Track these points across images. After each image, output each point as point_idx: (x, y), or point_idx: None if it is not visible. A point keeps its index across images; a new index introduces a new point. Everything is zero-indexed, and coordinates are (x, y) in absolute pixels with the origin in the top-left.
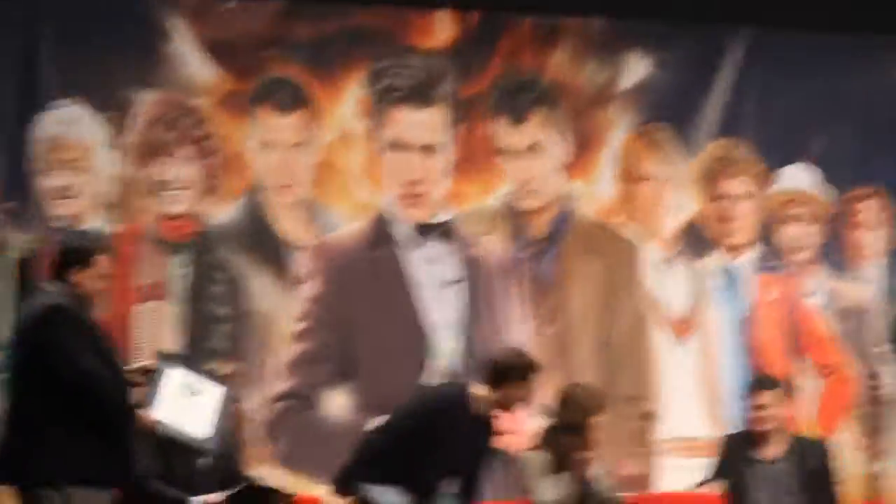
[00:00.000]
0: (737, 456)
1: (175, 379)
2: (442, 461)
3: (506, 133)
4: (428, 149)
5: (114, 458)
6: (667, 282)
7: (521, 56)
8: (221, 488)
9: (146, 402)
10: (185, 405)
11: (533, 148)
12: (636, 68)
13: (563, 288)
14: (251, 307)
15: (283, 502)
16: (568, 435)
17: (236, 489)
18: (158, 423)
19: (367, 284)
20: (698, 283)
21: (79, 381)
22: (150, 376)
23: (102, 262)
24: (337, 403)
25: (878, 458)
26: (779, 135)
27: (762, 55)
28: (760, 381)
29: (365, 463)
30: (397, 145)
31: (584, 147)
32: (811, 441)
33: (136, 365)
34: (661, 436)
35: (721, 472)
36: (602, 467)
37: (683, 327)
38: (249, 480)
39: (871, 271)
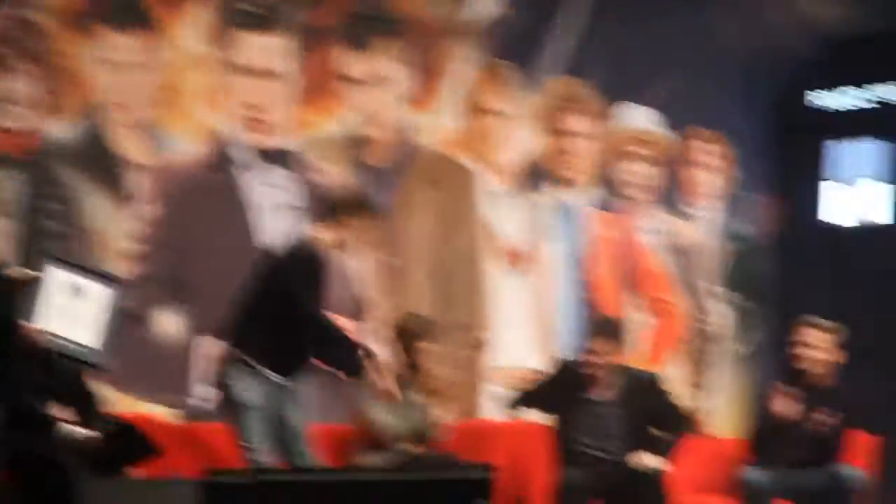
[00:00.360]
0: (567, 393)
1: (57, 280)
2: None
3: (350, 62)
4: (271, 74)
5: None
6: (505, 214)
7: None
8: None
9: (28, 310)
10: (69, 310)
11: (377, 78)
12: (482, 4)
13: (401, 217)
14: (87, 225)
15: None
16: (400, 361)
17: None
18: (43, 333)
19: (204, 207)
20: (537, 217)
21: None
22: (28, 283)
23: None
24: (169, 323)
25: (705, 393)
26: (620, 75)
27: None
28: (598, 326)
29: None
30: (240, 69)
31: (428, 79)
32: (642, 377)
33: (8, 271)
34: (491, 364)
35: (548, 403)
36: (429, 396)
37: (519, 259)
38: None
39: (706, 212)
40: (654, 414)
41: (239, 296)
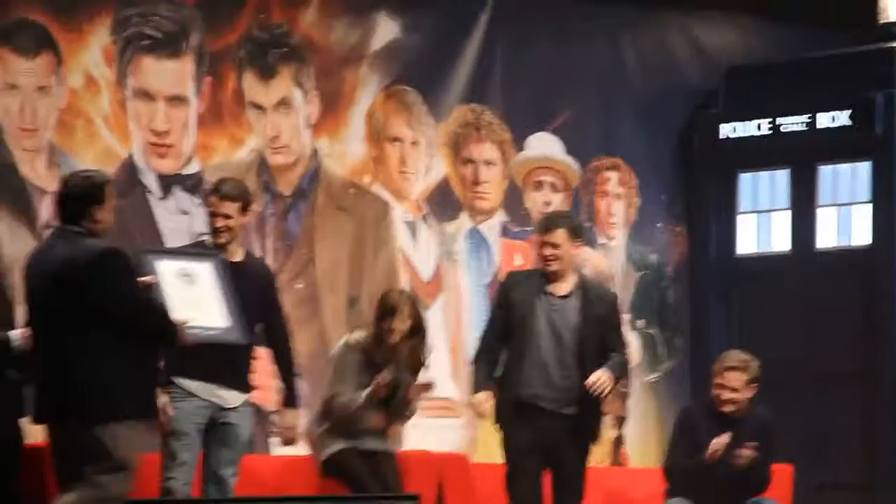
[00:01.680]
0: (526, 288)
1: (167, 272)
2: None
3: (254, 88)
4: (175, 99)
5: (151, 392)
6: (415, 243)
7: (270, 11)
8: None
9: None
10: (191, 297)
11: (282, 103)
12: (386, 30)
13: (311, 244)
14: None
15: None
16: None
17: None
18: (188, 328)
19: (113, 232)
20: (446, 246)
21: (145, 317)
22: (153, 286)
23: (111, 196)
24: None
25: (619, 424)
26: (524, 103)
27: (509, 24)
28: (550, 219)
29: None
30: (143, 94)
31: (333, 105)
32: (598, 286)
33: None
34: None
35: (507, 305)
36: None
37: (430, 289)
38: None
39: (613, 240)
40: (605, 323)
41: None
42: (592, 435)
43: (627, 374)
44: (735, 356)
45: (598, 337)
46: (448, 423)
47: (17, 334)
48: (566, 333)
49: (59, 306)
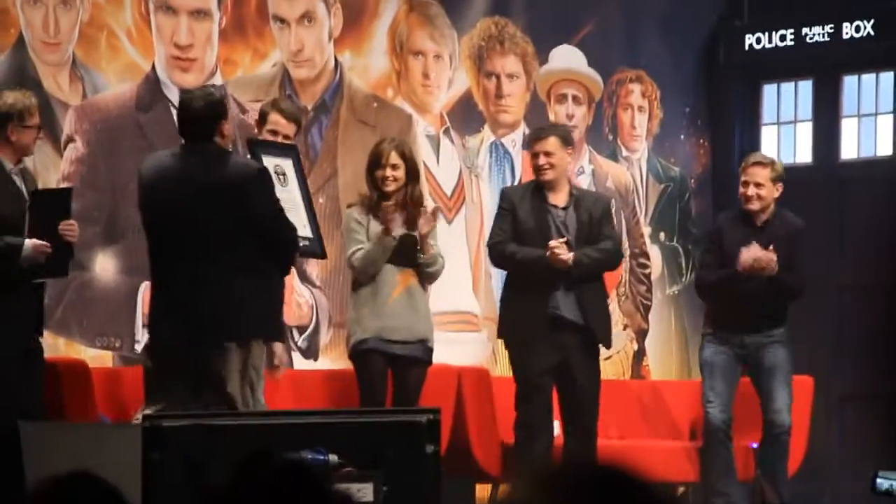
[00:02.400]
0: (530, 203)
1: (269, 167)
2: None
3: (277, 1)
4: (198, 13)
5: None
6: (437, 157)
7: None
8: None
9: None
10: (285, 200)
11: (305, 17)
12: None
13: (333, 158)
14: None
15: None
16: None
17: None
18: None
19: (135, 146)
20: (468, 159)
21: (286, 234)
22: None
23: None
24: (102, 266)
25: (640, 337)
26: (547, 15)
27: None
28: (541, 128)
29: None
30: (166, 8)
31: (356, 19)
32: (591, 192)
33: None
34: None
35: (510, 221)
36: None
37: (452, 203)
38: None
39: (636, 152)
40: (599, 228)
41: None
42: (603, 341)
43: (608, 260)
44: (759, 154)
45: (594, 242)
46: (469, 337)
47: (30, 244)
48: (574, 236)
49: (208, 220)
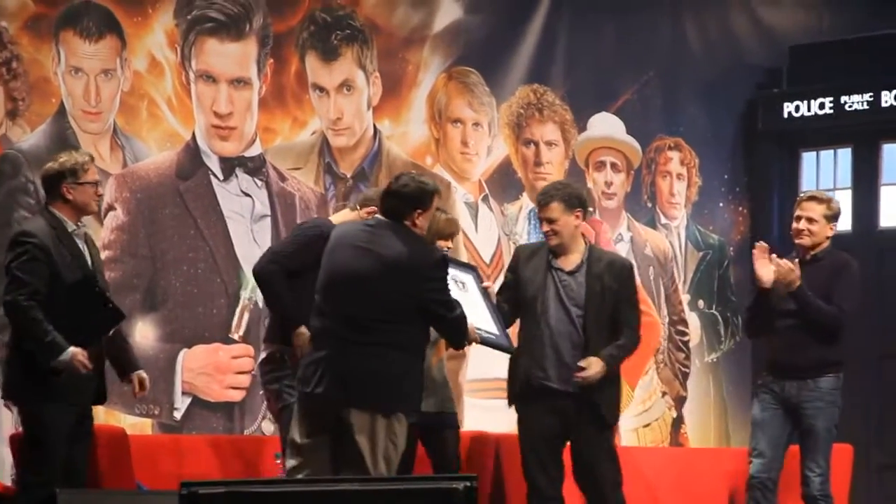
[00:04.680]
0: (536, 264)
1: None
2: None
3: (317, 70)
4: (237, 82)
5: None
6: (476, 224)
7: None
8: None
9: None
10: (467, 303)
11: (344, 85)
12: (448, 11)
13: None
14: None
15: None
16: None
17: None
18: (476, 330)
19: (175, 214)
20: (507, 226)
21: (455, 311)
22: None
23: (433, 207)
24: (142, 334)
25: (679, 404)
26: (586, 83)
27: (571, 3)
28: (544, 192)
29: None
30: (206, 77)
31: (395, 87)
32: (608, 258)
33: None
34: (468, 377)
35: (517, 277)
36: None
37: (490, 270)
38: None
39: (675, 220)
40: (614, 295)
41: None
42: (606, 416)
43: (628, 354)
44: (818, 191)
45: (608, 311)
46: (505, 404)
47: (72, 352)
48: (574, 310)
49: (387, 291)
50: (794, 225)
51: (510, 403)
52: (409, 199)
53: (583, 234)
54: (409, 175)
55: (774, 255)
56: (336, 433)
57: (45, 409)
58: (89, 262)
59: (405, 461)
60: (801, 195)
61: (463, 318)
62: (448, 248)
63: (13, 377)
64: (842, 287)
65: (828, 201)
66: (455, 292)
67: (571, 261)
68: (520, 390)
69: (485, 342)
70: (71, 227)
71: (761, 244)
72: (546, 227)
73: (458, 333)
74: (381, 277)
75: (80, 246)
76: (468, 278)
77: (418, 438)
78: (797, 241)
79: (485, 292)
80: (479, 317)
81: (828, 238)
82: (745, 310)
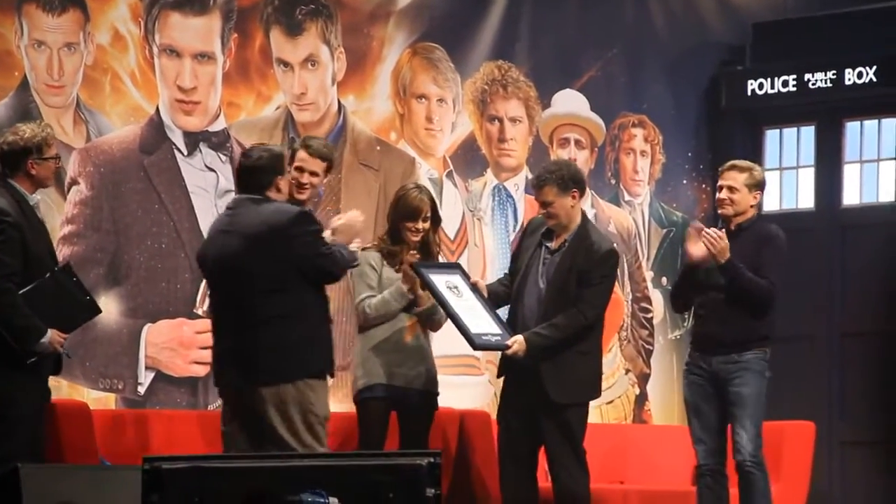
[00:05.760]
0: (532, 239)
1: (440, 284)
2: None
3: (281, 45)
4: (201, 56)
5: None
6: (440, 200)
7: None
8: None
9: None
10: (465, 307)
11: (308, 60)
12: None
13: (337, 201)
14: None
15: None
16: (390, 237)
17: None
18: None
19: (139, 189)
20: (471, 203)
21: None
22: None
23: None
24: (106, 308)
25: (642, 381)
26: (550, 60)
27: None
28: (538, 177)
29: None
30: (170, 51)
31: (359, 62)
32: (589, 239)
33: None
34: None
35: (517, 253)
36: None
37: (454, 246)
38: None
39: (641, 197)
40: (583, 276)
41: None
42: (551, 394)
43: (562, 335)
44: (738, 160)
45: (572, 290)
46: (471, 381)
47: (51, 334)
48: (546, 287)
49: (258, 266)
50: (717, 195)
51: (498, 375)
52: (267, 169)
53: (582, 211)
54: (257, 148)
55: (702, 226)
56: (252, 415)
57: (16, 385)
58: (49, 239)
59: (374, 435)
60: (723, 165)
61: (339, 255)
62: (421, 229)
63: None
64: (769, 258)
65: (749, 169)
66: (452, 299)
67: (559, 239)
68: (500, 363)
69: (486, 348)
70: (32, 199)
71: (696, 223)
72: (542, 210)
73: (336, 267)
74: (248, 252)
75: (40, 216)
76: (457, 279)
77: (390, 412)
78: (720, 211)
79: (475, 288)
80: (479, 319)
81: (752, 207)
82: (671, 285)
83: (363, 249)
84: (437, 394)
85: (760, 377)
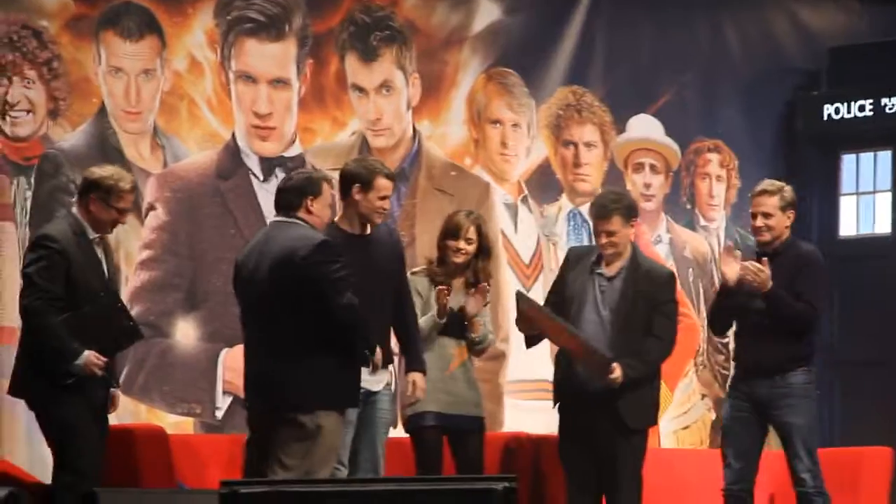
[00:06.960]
0: (581, 267)
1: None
2: None
3: (356, 70)
4: (277, 82)
5: (352, 383)
6: (515, 225)
7: None
8: None
9: None
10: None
11: (383, 86)
12: (487, 12)
13: (411, 226)
14: None
15: None
16: (437, 259)
17: None
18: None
19: (215, 214)
20: (546, 228)
21: (348, 314)
22: None
23: (328, 191)
24: (184, 333)
25: (718, 406)
26: (625, 84)
27: (610, 5)
28: (604, 205)
29: None
30: (246, 77)
31: (434, 88)
32: (649, 264)
33: None
34: (509, 378)
35: (563, 283)
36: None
37: (530, 271)
38: None
39: (716, 222)
40: (649, 303)
41: None
42: (627, 420)
43: (649, 370)
44: (767, 181)
45: (640, 317)
46: (545, 406)
47: (87, 356)
48: (607, 314)
49: (277, 289)
50: (752, 223)
51: (554, 404)
52: (296, 189)
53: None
54: (297, 171)
55: (739, 253)
56: (266, 440)
57: (64, 409)
58: (105, 272)
59: (433, 461)
60: (753, 190)
61: (351, 306)
62: (463, 251)
63: (31, 382)
64: (809, 284)
65: (780, 191)
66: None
67: (614, 266)
68: (558, 392)
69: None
70: (91, 234)
71: (728, 244)
72: (605, 240)
73: (345, 318)
74: (269, 274)
75: (99, 254)
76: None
77: (443, 438)
78: (758, 238)
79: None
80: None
81: (787, 228)
82: (708, 309)
83: (412, 274)
84: (484, 417)
85: (808, 401)
